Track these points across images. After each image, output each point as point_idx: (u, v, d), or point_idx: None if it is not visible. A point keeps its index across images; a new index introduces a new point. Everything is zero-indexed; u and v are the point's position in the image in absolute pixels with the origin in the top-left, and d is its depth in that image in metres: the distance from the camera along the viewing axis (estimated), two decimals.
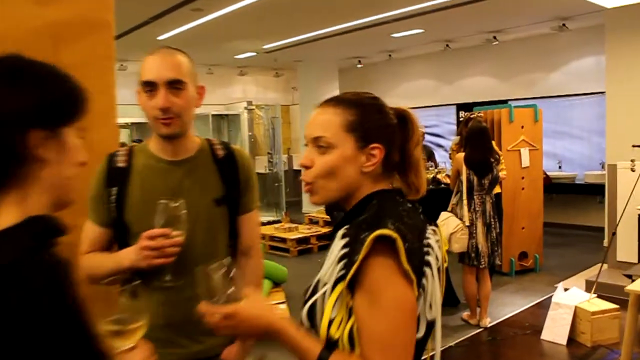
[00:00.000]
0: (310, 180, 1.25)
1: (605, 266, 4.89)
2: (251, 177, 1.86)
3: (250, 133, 10.76)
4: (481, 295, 4.71)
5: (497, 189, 5.11)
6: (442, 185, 5.20)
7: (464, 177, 4.49)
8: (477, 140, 4.52)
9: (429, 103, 11.26)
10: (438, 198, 4.90)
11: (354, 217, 1.18)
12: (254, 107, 10.44)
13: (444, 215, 4.60)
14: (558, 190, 8.63)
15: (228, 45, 9.76)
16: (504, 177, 5.02)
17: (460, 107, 10.37)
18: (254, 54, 10.65)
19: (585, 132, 9.00)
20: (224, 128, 13.24)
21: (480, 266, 4.57)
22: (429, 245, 1.16)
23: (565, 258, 7.00)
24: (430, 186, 5.19)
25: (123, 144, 8.07)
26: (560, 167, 9.21)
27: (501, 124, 6.03)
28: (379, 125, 1.24)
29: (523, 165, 6.14)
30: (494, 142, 5.13)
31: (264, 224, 8.92)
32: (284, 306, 5.17)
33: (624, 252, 5.55)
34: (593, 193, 8.24)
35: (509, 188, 6.03)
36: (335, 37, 9.18)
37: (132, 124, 12.45)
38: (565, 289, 4.58)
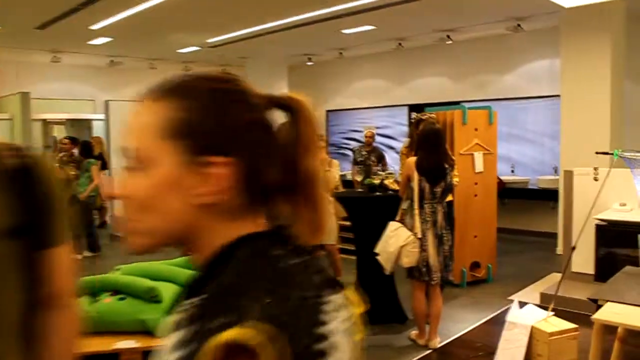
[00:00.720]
0: (124, 217, 0.76)
1: (558, 275, 4.58)
2: (55, 197, 1.33)
3: None
4: (431, 314, 4.31)
5: (449, 197, 4.74)
6: (390, 192, 4.79)
7: (415, 184, 4.09)
8: (431, 144, 4.12)
9: (381, 103, 10.94)
10: (386, 206, 4.48)
11: (200, 286, 0.71)
12: None
13: (393, 225, 4.19)
14: (511, 195, 8.39)
15: (169, 38, 9.16)
16: (456, 183, 4.67)
17: (413, 108, 10.01)
18: (197, 48, 10.07)
19: (538, 135, 8.80)
20: None
21: (432, 282, 4.17)
22: (324, 338, 0.66)
23: (518, 267, 6.72)
24: (377, 193, 4.77)
25: (73, 139, 7.33)
26: (513, 171, 8.99)
27: (454, 126, 5.68)
28: (226, 125, 0.75)
29: (476, 170, 5.80)
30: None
31: None
32: None
33: (580, 263, 5.27)
34: (546, 198, 8.04)
35: (462, 195, 5.69)
36: (283, 32, 8.70)
37: (67, 120, 11.68)
38: (521, 303, 4.23)
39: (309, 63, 11.39)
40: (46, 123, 11.11)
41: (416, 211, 4.10)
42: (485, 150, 5.82)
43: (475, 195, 5.83)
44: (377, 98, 11.09)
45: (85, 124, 11.57)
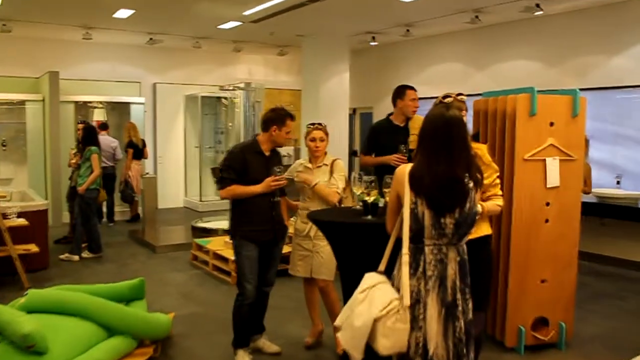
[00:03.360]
0: None
1: None
2: None
3: (231, 124, 8.86)
4: None
5: (481, 231, 2.97)
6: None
7: (405, 210, 2.37)
8: (438, 143, 2.39)
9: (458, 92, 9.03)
10: (370, 243, 2.78)
11: None
12: (231, 88, 8.48)
13: (370, 279, 2.50)
14: (615, 214, 6.32)
15: (202, 10, 7.83)
16: (493, 209, 2.90)
17: None
18: (238, 23, 8.69)
19: None
20: (220, 112, 11.41)
21: None
22: None
23: (611, 325, 4.72)
24: (368, 217, 3.05)
25: (85, 122, 6.13)
26: (619, 183, 6.84)
27: (516, 118, 3.82)
28: None
29: (549, 185, 3.91)
30: (479, 146, 3.00)
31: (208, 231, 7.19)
32: None
33: None
34: None
35: (522, 221, 3.86)
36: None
37: (107, 103, 10.75)
38: None
39: (373, 43, 9.67)
40: (81, 106, 10.20)
41: (405, 257, 2.38)
42: (565, 155, 3.92)
43: (547, 221, 3.95)
44: (453, 85, 9.16)
45: (126, 108, 10.57)
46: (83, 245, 7.23)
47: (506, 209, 3.78)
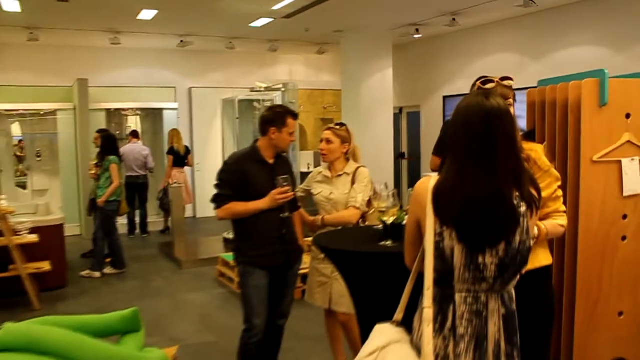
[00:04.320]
0: None
1: None
2: None
3: None
4: None
5: (538, 261, 2.23)
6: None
7: (428, 245, 1.66)
8: (473, 146, 1.66)
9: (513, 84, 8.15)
10: (389, 277, 2.08)
11: None
12: (262, 89, 7.90)
13: (382, 335, 1.81)
14: None
15: (228, 7, 7.30)
16: (554, 232, 2.15)
17: None
18: (270, 20, 8.11)
19: None
20: (256, 116, 10.86)
21: None
22: None
23: None
24: (387, 243, 2.34)
25: (103, 130, 5.66)
26: None
27: (582, 109, 3.02)
28: None
29: (626, 193, 3.09)
30: (534, 147, 2.26)
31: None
32: None
33: None
34: None
35: (592, 240, 3.06)
36: None
37: (142, 109, 10.39)
38: None
39: (417, 36, 8.89)
40: (113, 113, 9.88)
41: (428, 312, 1.67)
42: None
43: (624, 239, 3.13)
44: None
45: (159, 114, 10.18)
46: (107, 260, 6.81)
47: (570, 224, 2.99)
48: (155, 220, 9.68)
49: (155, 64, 10.40)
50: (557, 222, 2.20)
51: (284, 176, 3.18)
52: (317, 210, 3.49)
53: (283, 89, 8.04)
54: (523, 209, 1.65)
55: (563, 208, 2.26)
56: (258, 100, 8.58)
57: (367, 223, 3.23)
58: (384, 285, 2.12)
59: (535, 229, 2.06)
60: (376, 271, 2.20)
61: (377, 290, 2.20)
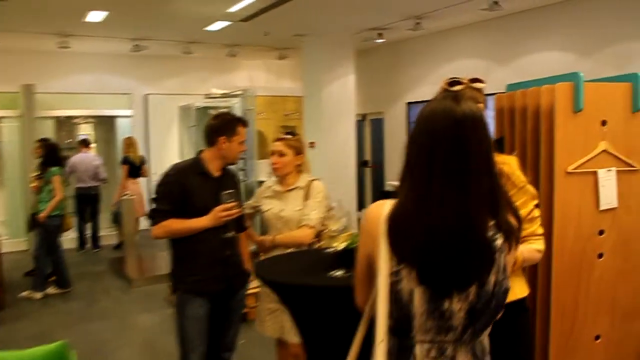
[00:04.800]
0: None
1: None
2: None
3: None
4: None
5: (513, 292, 1.92)
6: None
7: (380, 286, 1.33)
8: (439, 162, 1.33)
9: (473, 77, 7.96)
10: (338, 313, 1.75)
11: None
12: (217, 95, 7.53)
13: None
14: None
15: (180, 10, 6.92)
16: (531, 258, 1.86)
17: None
18: (227, 23, 7.75)
19: None
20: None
21: None
22: None
23: None
24: (337, 272, 2.01)
25: (45, 139, 5.19)
26: None
27: (554, 116, 2.76)
28: None
29: (603, 206, 2.84)
30: (507, 160, 1.98)
31: None
32: None
33: None
34: None
35: (566, 257, 2.80)
36: None
37: (95, 117, 9.89)
38: None
39: (380, 40, 8.63)
40: (63, 121, 9.36)
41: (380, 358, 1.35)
42: (624, 165, 2.85)
43: (600, 256, 2.87)
44: None
45: (113, 122, 9.70)
46: (51, 279, 6.34)
47: (544, 242, 2.73)
48: (108, 234, 9.19)
49: (109, 69, 9.90)
50: (534, 247, 1.91)
51: (229, 191, 2.85)
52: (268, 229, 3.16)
53: (241, 95, 7.68)
54: (499, 241, 1.34)
55: (540, 230, 1.97)
56: (215, 107, 8.20)
57: (322, 243, 2.91)
58: (334, 323, 1.79)
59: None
60: (324, 307, 1.87)
61: (327, 328, 1.87)
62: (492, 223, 1.33)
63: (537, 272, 2.82)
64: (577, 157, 2.77)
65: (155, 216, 2.93)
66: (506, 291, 1.37)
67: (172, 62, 10.28)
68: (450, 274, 1.30)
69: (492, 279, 1.32)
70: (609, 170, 2.83)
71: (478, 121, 1.35)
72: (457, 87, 1.90)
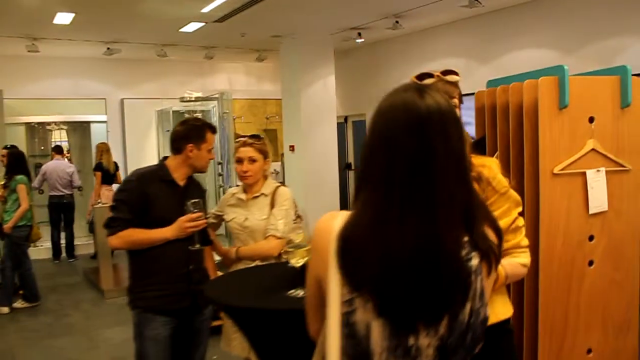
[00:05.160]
0: None
1: None
2: None
3: None
4: None
5: (495, 314, 1.72)
6: None
7: (331, 319, 1.11)
8: (399, 167, 1.10)
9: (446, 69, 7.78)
10: (296, 338, 1.52)
11: None
12: (192, 98, 7.28)
13: None
14: None
15: (150, 11, 6.67)
16: (515, 273, 1.65)
17: None
18: (201, 24, 7.51)
19: None
20: None
21: None
22: None
23: None
24: (296, 292, 1.79)
25: (11, 147, 4.94)
26: None
27: (539, 113, 2.54)
28: None
29: (592, 210, 2.63)
30: (486, 162, 1.76)
31: None
32: None
33: None
34: None
35: (553, 266, 2.59)
36: None
37: (69, 122, 9.60)
38: None
39: (359, 40, 8.43)
40: (34, 127, 9.06)
41: None
42: (614, 165, 2.65)
43: (590, 264, 2.66)
44: None
45: (87, 128, 9.41)
46: (20, 292, 6.06)
47: (530, 250, 2.52)
48: (85, 243, 8.89)
49: (83, 74, 9.60)
50: (518, 261, 1.69)
51: (195, 200, 2.62)
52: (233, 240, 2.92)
53: (217, 98, 7.44)
54: (475, 262, 1.11)
55: (525, 242, 1.75)
56: (192, 111, 7.96)
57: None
58: (292, 350, 1.56)
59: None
60: (280, 332, 1.64)
61: (284, 355, 1.64)
62: (466, 239, 1.11)
63: (523, 285, 2.60)
64: (563, 157, 2.56)
65: (113, 225, 2.70)
66: (484, 321, 1.14)
67: (149, 65, 10.00)
68: (414, 305, 1.07)
69: (467, 308, 1.10)
70: (598, 170, 2.63)
71: (447, 117, 1.13)
72: (428, 81, 1.69)
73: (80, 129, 9.56)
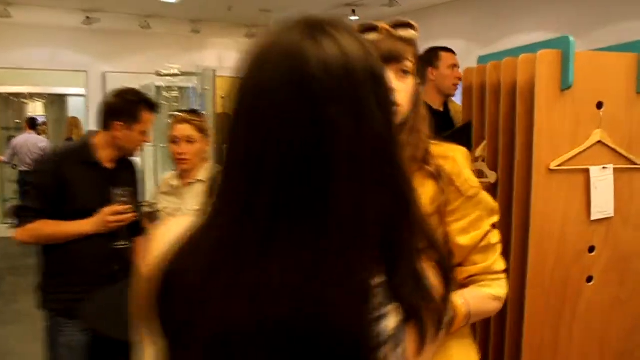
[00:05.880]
0: None
1: None
2: None
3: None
4: None
5: None
6: None
7: None
8: (267, 176, 0.62)
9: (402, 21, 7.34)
10: None
11: None
12: (170, 73, 6.80)
13: None
14: None
15: None
16: (482, 309, 1.19)
17: None
18: None
19: None
20: (178, 103, 9.76)
21: None
22: None
23: None
24: None
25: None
26: None
27: (535, 94, 2.06)
28: None
29: (595, 215, 2.16)
30: (449, 151, 1.27)
31: None
32: None
33: None
34: None
35: (546, 282, 2.13)
36: None
37: (48, 95, 9.12)
38: None
39: (354, 18, 7.92)
40: (7, 99, 8.59)
41: None
42: (625, 162, 2.17)
43: (589, 280, 2.20)
44: None
45: (64, 101, 8.95)
46: None
47: (516, 261, 2.06)
48: None
49: (62, 44, 9.08)
50: (488, 293, 1.20)
51: (123, 189, 2.19)
52: None
53: (197, 73, 6.95)
54: (391, 323, 0.65)
55: (500, 266, 1.26)
56: (172, 87, 7.47)
57: None
58: None
59: (452, 306, 1.08)
60: None
61: None
62: (378, 282, 0.64)
63: (507, 305, 2.13)
64: (563, 149, 2.08)
65: (22, 215, 2.27)
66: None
67: (133, 38, 9.49)
68: None
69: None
70: (605, 167, 2.15)
71: (361, 77, 0.65)
72: (371, 36, 1.20)
73: (58, 102, 9.08)
